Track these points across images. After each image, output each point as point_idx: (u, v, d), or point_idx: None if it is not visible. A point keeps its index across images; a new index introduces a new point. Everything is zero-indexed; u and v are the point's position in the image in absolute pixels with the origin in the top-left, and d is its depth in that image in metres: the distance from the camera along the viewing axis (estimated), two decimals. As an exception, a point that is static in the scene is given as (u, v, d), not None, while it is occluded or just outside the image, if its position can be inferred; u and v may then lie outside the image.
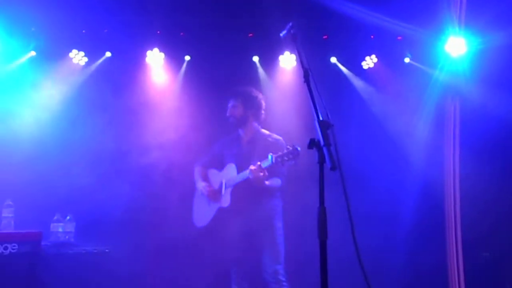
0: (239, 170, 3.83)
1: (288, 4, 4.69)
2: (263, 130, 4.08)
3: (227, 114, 4.08)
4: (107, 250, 3.99)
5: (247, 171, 3.66)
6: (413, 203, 4.96)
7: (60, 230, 4.03)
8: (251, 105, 4.03)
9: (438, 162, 4.91)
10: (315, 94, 2.07)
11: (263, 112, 4.09)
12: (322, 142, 1.87)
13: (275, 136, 4.00)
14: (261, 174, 3.56)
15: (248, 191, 3.76)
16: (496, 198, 4.73)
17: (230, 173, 3.92)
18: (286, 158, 3.43)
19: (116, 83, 5.01)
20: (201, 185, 4.11)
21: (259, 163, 3.58)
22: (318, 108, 2.00)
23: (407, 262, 4.94)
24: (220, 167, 4.11)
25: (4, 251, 3.33)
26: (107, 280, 3.76)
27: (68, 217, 4.13)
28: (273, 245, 3.78)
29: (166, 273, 4.64)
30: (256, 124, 4.06)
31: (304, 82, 2.15)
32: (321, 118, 1.96)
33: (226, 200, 3.84)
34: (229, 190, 3.85)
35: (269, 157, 3.50)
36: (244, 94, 4.06)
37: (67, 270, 3.68)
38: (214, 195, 4.00)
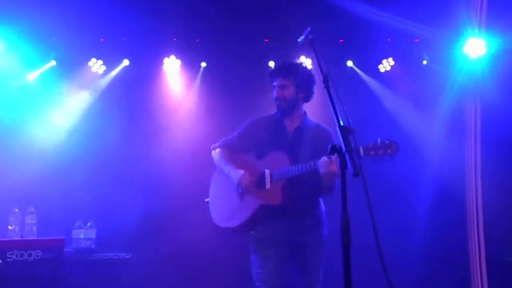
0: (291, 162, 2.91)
1: (304, 9, 4.70)
2: (309, 117, 3.17)
3: (275, 96, 3.04)
4: (128, 256, 4.03)
5: (312, 163, 2.77)
6: (430, 205, 4.91)
7: (82, 236, 4.10)
8: (305, 84, 3.05)
9: (455, 164, 4.85)
10: (335, 99, 2.05)
11: (314, 92, 3.10)
12: (344, 148, 1.85)
13: (323, 125, 3.12)
14: (335, 169, 2.67)
15: (302, 190, 2.90)
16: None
17: (280, 163, 2.92)
18: (380, 152, 2.58)
19: (134, 90, 5.09)
20: (237, 173, 3.02)
21: (332, 156, 2.67)
22: (338, 113, 1.98)
23: (426, 262, 4.87)
24: (259, 155, 3.08)
25: (28, 257, 3.39)
26: (128, 285, 3.80)
27: (89, 224, 4.19)
28: (315, 264, 2.95)
29: (186, 280, 4.67)
30: (304, 108, 3.14)
31: (324, 87, 2.13)
32: (342, 124, 1.93)
33: (276, 197, 2.87)
34: (279, 185, 2.89)
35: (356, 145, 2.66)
36: (296, 70, 3.07)
37: (90, 276, 3.75)
38: (256, 188, 2.97)
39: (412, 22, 4.69)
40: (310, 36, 2.36)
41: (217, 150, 3.24)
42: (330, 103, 2.04)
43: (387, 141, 2.57)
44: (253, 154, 3.13)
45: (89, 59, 5.17)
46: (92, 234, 4.16)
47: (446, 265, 4.84)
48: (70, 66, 5.10)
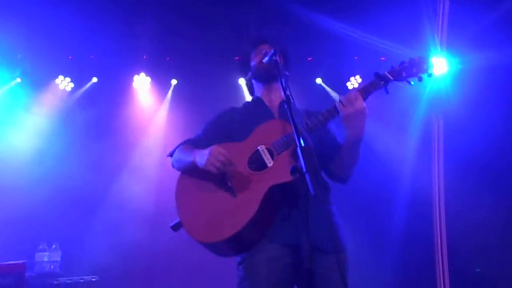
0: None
1: (274, 28, 4.78)
2: None
3: (264, 59, 2.30)
4: (94, 279, 3.91)
5: (330, 108, 2.16)
6: (401, 218, 5.00)
7: (46, 259, 3.96)
8: (288, 60, 2.53)
9: (425, 179, 4.96)
10: (296, 120, 2.05)
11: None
12: (304, 169, 1.86)
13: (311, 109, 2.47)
14: (363, 105, 2.11)
15: (320, 158, 2.17)
16: (483, 211, 4.77)
17: (275, 132, 2.22)
18: (415, 71, 2.14)
19: (103, 108, 5.01)
20: (204, 152, 2.17)
21: (357, 90, 2.16)
22: (299, 134, 1.98)
23: (396, 274, 4.95)
24: (239, 139, 2.30)
25: (-14, 284, 3.25)
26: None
27: (54, 246, 4.06)
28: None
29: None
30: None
31: (286, 108, 2.12)
32: (302, 144, 1.94)
33: (283, 171, 2.06)
34: (285, 156, 2.15)
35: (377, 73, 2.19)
36: (281, 44, 2.50)
37: (52, 301, 3.60)
38: (253, 174, 2.17)
39: (378, 40, 4.83)
40: (274, 58, 2.32)
41: (176, 150, 2.39)
42: (291, 123, 2.03)
43: (417, 58, 2.15)
44: (237, 138, 2.31)
45: (57, 77, 5.09)
46: (57, 256, 4.03)
47: (415, 277, 4.92)
48: (37, 83, 5.00)
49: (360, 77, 5.42)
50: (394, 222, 5.03)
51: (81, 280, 3.87)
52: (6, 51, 4.72)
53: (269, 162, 2.16)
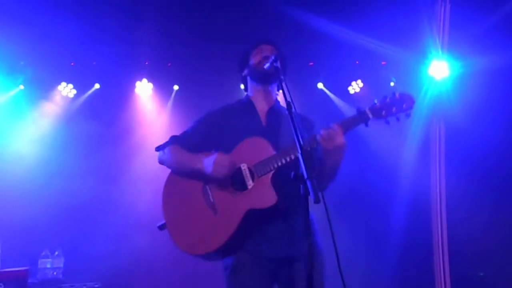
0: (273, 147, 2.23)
1: (275, 33, 4.79)
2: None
3: (265, 65, 2.32)
4: (96, 286, 3.91)
5: (311, 137, 2.16)
6: (401, 222, 4.99)
7: (48, 266, 3.97)
8: (285, 65, 2.49)
9: (425, 182, 4.96)
10: (297, 126, 2.05)
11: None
12: (305, 175, 1.86)
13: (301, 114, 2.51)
14: (342, 140, 2.11)
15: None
16: (484, 216, 4.75)
17: (260, 151, 2.22)
18: (394, 110, 2.10)
19: (105, 114, 5.03)
20: (209, 159, 2.21)
21: (334, 125, 2.12)
22: (301, 140, 1.98)
23: (396, 278, 4.93)
24: (225, 149, 2.29)
25: (-11, 291, 3.25)
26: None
27: (56, 252, 4.07)
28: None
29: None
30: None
31: (288, 114, 2.12)
32: (304, 149, 1.94)
33: (267, 196, 2.15)
34: (266, 179, 2.17)
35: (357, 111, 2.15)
36: (280, 47, 2.53)
37: (55, 308, 3.61)
38: (233, 192, 2.22)
39: (379, 44, 4.84)
40: (275, 64, 2.32)
41: (166, 149, 2.41)
42: (292, 130, 2.03)
43: (397, 95, 2.11)
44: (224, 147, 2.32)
45: (59, 83, 5.11)
46: (60, 263, 4.04)
47: (414, 281, 4.90)
48: (39, 90, 5.03)
49: (362, 81, 5.43)
50: (394, 227, 5.01)
51: (84, 287, 3.87)
52: (9, 58, 4.75)
53: (249, 184, 2.20)
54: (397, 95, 2.12)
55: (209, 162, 2.20)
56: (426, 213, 4.84)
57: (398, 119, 2.13)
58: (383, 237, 4.97)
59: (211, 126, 2.40)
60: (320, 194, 1.79)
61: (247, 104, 2.47)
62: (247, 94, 2.55)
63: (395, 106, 2.11)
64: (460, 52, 4.77)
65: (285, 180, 2.09)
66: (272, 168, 2.17)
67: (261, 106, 2.45)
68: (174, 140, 2.43)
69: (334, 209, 2.22)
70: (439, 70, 4.91)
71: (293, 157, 2.13)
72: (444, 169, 4.78)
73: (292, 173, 1.91)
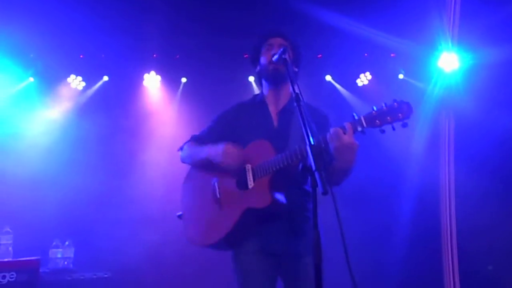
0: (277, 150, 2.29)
1: (283, 25, 4.76)
2: None
3: (274, 54, 2.35)
4: (106, 276, 3.97)
5: (320, 137, 2.13)
6: (409, 216, 4.97)
7: (59, 256, 4.03)
8: (298, 58, 2.55)
9: (433, 175, 4.93)
10: (306, 118, 2.05)
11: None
12: (313, 167, 1.86)
13: (314, 105, 2.54)
14: (351, 140, 2.09)
15: (298, 183, 2.34)
16: (494, 211, 4.73)
17: (263, 154, 2.31)
18: (389, 119, 2.06)
19: (114, 106, 5.07)
20: (217, 148, 2.36)
21: (345, 124, 2.11)
22: (309, 132, 1.98)
23: (403, 273, 4.93)
24: (239, 142, 2.42)
25: (2, 280, 3.31)
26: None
27: (67, 243, 4.12)
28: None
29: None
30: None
31: (296, 106, 2.12)
32: (312, 143, 1.95)
33: (264, 197, 2.24)
34: (265, 180, 2.27)
35: (354, 115, 2.13)
36: (293, 38, 2.55)
37: (66, 297, 3.67)
38: (237, 190, 2.35)
39: (388, 36, 4.79)
40: (283, 56, 2.31)
41: (184, 147, 2.59)
42: (301, 122, 2.04)
43: (395, 104, 2.06)
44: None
45: (68, 76, 5.15)
46: (70, 253, 4.09)
47: (422, 276, 4.89)
48: (49, 82, 5.07)
49: (370, 74, 5.39)
50: (402, 221, 5.00)
51: (94, 276, 3.92)
52: (19, 51, 4.78)
53: (250, 184, 2.31)
54: (395, 104, 2.07)
55: (217, 151, 2.35)
56: (435, 207, 4.83)
57: (393, 128, 2.08)
58: (392, 231, 4.97)
59: (226, 126, 2.52)
60: (328, 186, 1.80)
61: (261, 104, 2.53)
62: (261, 91, 2.60)
63: (390, 115, 2.06)
64: (470, 44, 4.72)
65: (285, 182, 2.27)
66: (270, 171, 2.26)
67: (274, 105, 2.50)
68: (192, 138, 2.60)
69: (341, 202, 2.23)
70: (449, 62, 4.87)
71: (291, 162, 2.20)
72: (453, 163, 4.76)
73: (300, 165, 1.91)
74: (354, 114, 2.15)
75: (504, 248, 4.67)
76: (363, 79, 5.42)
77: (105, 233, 4.43)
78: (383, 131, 2.10)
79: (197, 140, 2.56)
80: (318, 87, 5.28)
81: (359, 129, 2.12)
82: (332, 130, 2.11)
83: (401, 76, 5.36)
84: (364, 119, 2.10)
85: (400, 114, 2.05)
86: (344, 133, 2.09)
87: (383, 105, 2.09)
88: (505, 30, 4.35)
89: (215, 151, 2.36)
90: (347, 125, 2.11)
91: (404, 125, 2.07)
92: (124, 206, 4.65)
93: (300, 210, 2.37)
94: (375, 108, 2.11)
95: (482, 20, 4.42)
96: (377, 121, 2.08)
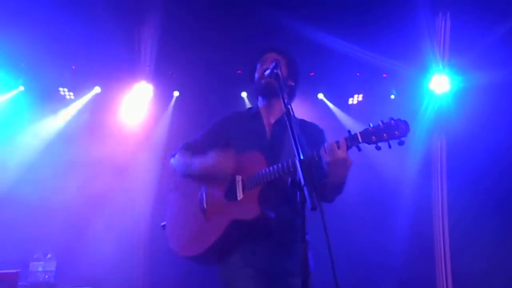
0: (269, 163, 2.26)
1: (277, 42, 4.79)
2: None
3: (266, 69, 2.38)
4: (88, 290, 3.86)
5: (314, 152, 2.14)
6: (403, 235, 4.94)
7: (40, 269, 3.92)
8: (294, 72, 2.55)
9: (426, 195, 4.94)
10: (296, 132, 2.04)
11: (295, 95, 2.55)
12: (303, 182, 1.83)
13: (308, 121, 2.59)
14: (344, 156, 2.10)
15: (288, 197, 2.27)
16: (486, 229, 4.72)
17: (255, 166, 2.27)
18: (385, 136, 2.05)
19: (104, 117, 5.03)
20: (211, 157, 2.31)
21: (340, 140, 2.11)
22: (299, 146, 1.97)
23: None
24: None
25: (-22, 292, 3.20)
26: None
27: (49, 256, 4.02)
28: None
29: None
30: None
31: (286, 120, 2.11)
32: (302, 157, 1.93)
33: (251, 209, 2.19)
34: (254, 193, 2.22)
35: (350, 131, 2.13)
36: (288, 52, 2.57)
37: (45, 312, 3.55)
38: (225, 201, 2.31)
39: (380, 57, 4.85)
40: (275, 71, 2.32)
41: (177, 154, 2.51)
42: (291, 136, 2.02)
43: (392, 122, 2.05)
44: None
45: (59, 85, 5.11)
46: (52, 266, 3.99)
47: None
48: (40, 92, 5.01)
49: (362, 93, 5.44)
50: (396, 240, 4.96)
51: (75, 291, 3.82)
52: (10, 59, 4.75)
53: (239, 195, 2.26)
54: (392, 121, 2.06)
55: (207, 163, 2.30)
56: (428, 226, 4.81)
57: (390, 146, 2.07)
58: (386, 249, 4.92)
59: (219, 136, 2.48)
60: (316, 201, 1.77)
61: (255, 116, 2.53)
62: (257, 104, 2.60)
63: (386, 132, 2.05)
64: (460, 66, 4.79)
65: (275, 195, 2.24)
66: (261, 182, 2.22)
67: (268, 118, 2.50)
68: (184, 146, 2.53)
69: (335, 220, 2.20)
70: (440, 84, 4.92)
71: (282, 175, 2.16)
72: (446, 183, 4.78)
73: (289, 180, 1.88)
74: (350, 130, 2.14)
75: (498, 268, 4.64)
76: (355, 98, 5.46)
77: (88, 246, 4.33)
78: (378, 148, 2.09)
79: (189, 148, 2.51)
80: (310, 105, 5.29)
81: (355, 144, 2.11)
82: (326, 144, 2.11)
83: (392, 97, 5.40)
84: (360, 135, 2.10)
85: (397, 132, 2.04)
86: (338, 148, 2.09)
87: (380, 122, 2.08)
88: (494, 53, 4.43)
89: (206, 162, 2.31)
90: (342, 140, 2.12)
91: (401, 143, 2.06)
92: (109, 219, 4.56)
93: (290, 229, 2.31)
94: (371, 125, 2.10)
95: (472, 44, 4.51)
96: (373, 137, 2.08)
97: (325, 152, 2.10)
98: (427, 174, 4.98)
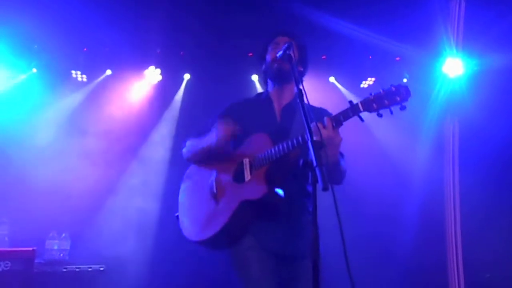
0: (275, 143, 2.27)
1: (288, 25, 4.75)
2: None
3: (278, 53, 2.32)
4: (101, 268, 3.95)
5: (300, 136, 2.14)
6: (413, 221, 4.94)
7: (55, 247, 4.02)
8: (304, 58, 2.56)
9: (438, 181, 4.91)
10: (308, 114, 2.04)
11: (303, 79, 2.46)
12: (315, 163, 1.84)
13: (317, 106, 2.53)
14: (330, 134, 2.11)
15: (294, 176, 2.27)
16: (496, 218, 4.70)
17: (262, 147, 2.28)
18: (386, 102, 2.05)
19: (116, 100, 5.06)
20: (211, 135, 2.38)
21: (328, 118, 2.14)
22: (311, 127, 1.97)
23: (407, 279, 4.89)
24: (239, 141, 2.44)
25: (-3, 268, 3.30)
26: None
27: (63, 235, 4.11)
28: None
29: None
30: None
31: (298, 102, 2.11)
32: (314, 138, 1.93)
33: (258, 188, 2.20)
34: (261, 172, 2.24)
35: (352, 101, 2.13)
36: (300, 38, 2.57)
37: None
38: (234, 183, 2.33)
39: (393, 41, 4.78)
40: (287, 52, 2.31)
41: (187, 142, 2.58)
42: (303, 117, 2.02)
43: (393, 88, 2.05)
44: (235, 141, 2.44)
45: (72, 68, 5.13)
46: (67, 245, 4.08)
47: (426, 283, 4.86)
48: (52, 74, 5.05)
49: (375, 77, 5.39)
50: (406, 226, 4.96)
51: (89, 269, 3.91)
52: (23, 42, 4.77)
53: (247, 177, 2.29)
54: (392, 87, 2.07)
55: (211, 138, 2.36)
56: (439, 212, 4.80)
57: (391, 112, 2.08)
58: (395, 237, 4.93)
59: (226, 119, 2.47)
60: (328, 182, 1.78)
61: (266, 100, 2.54)
62: (266, 89, 2.60)
63: (387, 98, 2.06)
64: (474, 50, 4.70)
65: (281, 173, 2.24)
66: (268, 161, 2.23)
67: (278, 102, 2.52)
68: (195, 134, 2.57)
69: (346, 205, 2.21)
70: (453, 68, 4.85)
71: (287, 152, 2.18)
72: (458, 168, 4.74)
73: (301, 160, 1.89)
74: (351, 101, 2.15)
75: (510, 248, 4.63)
76: (367, 81, 5.41)
77: (102, 226, 4.43)
78: (380, 115, 2.09)
79: (199, 134, 2.54)
80: (322, 88, 5.26)
81: (356, 114, 2.10)
82: (312, 125, 2.06)
83: (405, 80, 5.34)
84: (361, 104, 2.10)
85: (398, 97, 2.05)
86: (324, 127, 2.11)
87: (381, 90, 2.09)
88: (509, 37, 4.34)
89: (211, 137, 2.37)
90: (327, 119, 2.14)
91: (402, 108, 2.06)
92: (123, 200, 4.64)
93: (301, 211, 2.34)
94: (372, 93, 2.10)
95: (486, 27, 4.42)
96: (374, 104, 2.07)
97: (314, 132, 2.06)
98: (439, 159, 4.94)
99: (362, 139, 5.09)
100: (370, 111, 2.09)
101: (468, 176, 4.76)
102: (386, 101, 2.06)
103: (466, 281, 4.64)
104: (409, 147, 5.07)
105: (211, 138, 2.38)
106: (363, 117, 2.13)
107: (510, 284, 4.62)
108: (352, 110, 2.12)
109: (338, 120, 2.15)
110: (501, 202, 4.74)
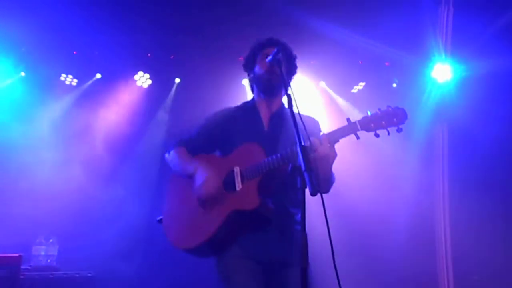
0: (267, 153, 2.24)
1: (277, 29, 4.76)
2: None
3: (268, 63, 2.29)
4: (89, 275, 3.90)
5: (297, 147, 1.93)
6: (403, 224, 4.96)
7: (42, 253, 3.96)
8: (291, 66, 2.54)
9: (427, 184, 4.95)
10: (297, 119, 2.05)
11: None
12: (303, 167, 1.85)
13: (305, 114, 2.35)
14: (326, 150, 2.13)
15: (286, 188, 2.28)
16: (484, 220, 4.75)
17: (253, 157, 2.26)
18: (383, 123, 2.10)
19: (105, 104, 5.03)
20: (202, 174, 2.29)
21: (324, 135, 2.16)
22: (300, 133, 1.97)
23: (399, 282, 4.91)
24: (226, 152, 2.41)
25: (-19, 275, 3.25)
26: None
27: (51, 240, 4.06)
28: None
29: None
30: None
31: (288, 107, 2.12)
32: (303, 143, 1.94)
33: (250, 199, 2.19)
34: (253, 183, 2.21)
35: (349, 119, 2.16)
36: (286, 47, 2.52)
37: (47, 295, 3.60)
38: (223, 192, 2.27)
39: (383, 46, 4.82)
40: (277, 57, 2.32)
41: (171, 151, 2.50)
42: (292, 123, 2.03)
43: (390, 109, 2.10)
44: (217, 153, 2.47)
45: (61, 71, 5.09)
46: (54, 251, 4.03)
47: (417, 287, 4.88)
48: (41, 78, 5.00)
49: (364, 81, 5.42)
50: (396, 230, 4.98)
51: (77, 275, 3.86)
52: (11, 45, 4.73)
53: (238, 186, 2.24)
54: (390, 109, 2.12)
55: (200, 177, 2.28)
56: (429, 216, 4.83)
57: (388, 133, 2.12)
58: (385, 242, 4.94)
59: (215, 129, 2.45)
60: (315, 187, 1.78)
61: (252, 108, 2.50)
62: (253, 97, 2.57)
63: (384, 120, 2.11)
64: (463, 56, 4.77)
65: (274, 185, 2.23)
66: (260, 173, 2.20)
67: (265, 111, 2.48)
68: (179, 143, 2.50)
69: (334, 213, 2.21)
70: (442, 73, 4.91)
71: (282, 164, 2.16)
72: (447, 172, 4.79)
73: (290, 165, 1.91)
74: (349, 118, 2.17)
75: (497, 257, 4.67)
76: (357, 86, 5.44)
77: (89, 232, 4.37)
78: (377, 135, 2.13)
79: (184, 144, 2.48)
80: (312, 93, 5.29)
81: (353, 132, 2.13)
82: (311, 139, 2.12)
83: (394, 85, 5.39)
84: (359, 123, 2.13)
85: (395, 119, 2.10)
86: (321, 144, 2.13)
87: (378, 110, 2.13)
88: (497, 42, 4.41)
89: (197, 180, 2.29)
90: (323, 136, 2.16)
91: (399, 130, 2.11)
92: (111, 205, 4.59)
93: (290, 219, 2.31)
94: (369, 113, 2.14)
95: (474, 34, 4.49)
96: (371, 124, 2.12)
97: (310, 147, 2.11)
98: (429, 163, 4.99)
99: (351, 144, 5.11)
100: (367, 130, 2.14)
101: (457, 179, 4.81)
102: (383, 122, 2.11)
103: (455, 283, 4.67)
104: (399, 151, 5.10)
105: (193, 166, 2.33)
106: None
107: (497, 286, 4.66)
108: (349, 129, 2.15)
109: (335, 137, 2.17)
110: (490, 204, 4.79)
